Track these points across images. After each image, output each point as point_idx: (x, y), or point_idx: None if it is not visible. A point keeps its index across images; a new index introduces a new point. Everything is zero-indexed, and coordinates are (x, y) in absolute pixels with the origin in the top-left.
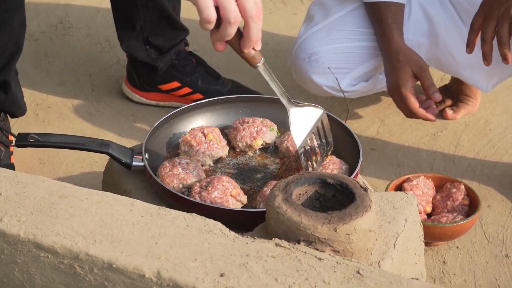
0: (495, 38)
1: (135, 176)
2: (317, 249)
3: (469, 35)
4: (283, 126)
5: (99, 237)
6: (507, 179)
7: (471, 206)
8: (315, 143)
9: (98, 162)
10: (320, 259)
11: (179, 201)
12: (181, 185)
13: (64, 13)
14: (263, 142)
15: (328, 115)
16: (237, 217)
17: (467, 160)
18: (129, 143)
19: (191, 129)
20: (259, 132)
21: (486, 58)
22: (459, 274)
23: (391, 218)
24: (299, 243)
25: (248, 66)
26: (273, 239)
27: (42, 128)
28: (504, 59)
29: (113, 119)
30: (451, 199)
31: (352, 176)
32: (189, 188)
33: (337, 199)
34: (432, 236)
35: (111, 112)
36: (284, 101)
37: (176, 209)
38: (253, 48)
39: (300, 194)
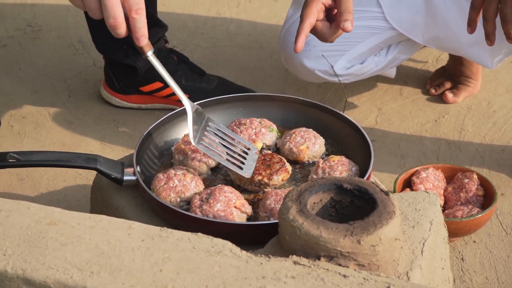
0: (498, 16)
1: (127, 192)
2: (340, 265)
3: (470, 13)
4: (284, 125)
5: (97, 267)
6: None
7: (486, 196)
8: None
9: (81, 174)
10: (345, 276)
11: (178, 217)
12: (179, 199)
13: (31, 15)
14: (263, 145)
15: (327, 108)
16: (245, 231)
17: (473, 146)
18: (112, 151)
19: (184, 136)
20: (258, 134)
21: (489, 38)
22: (480, 271)
23: (414, 222)
24: (319, 259)
25: (232, 60)
26: (290, 256)
27: (18, 141)
28: (509, 37)
29: (94, 126)
30: (464, 190)
31: (366, 177)
32: (188, 202)
33: (355, 205)
34: (448, 232)
35: (91, 118)
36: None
37: (176, 226)
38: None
39: (314, 203)
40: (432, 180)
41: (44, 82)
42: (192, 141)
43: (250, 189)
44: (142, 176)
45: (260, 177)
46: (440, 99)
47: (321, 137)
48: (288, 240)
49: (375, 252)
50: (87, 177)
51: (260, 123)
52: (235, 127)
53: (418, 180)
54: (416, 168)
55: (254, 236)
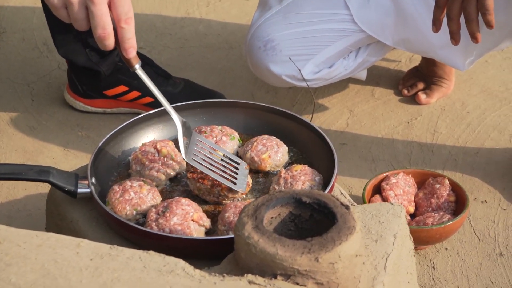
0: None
1: (83, 204)
2: (298, 283)
3: (434, 12)
4: (245, 133)
5: None
6: (492, 167)
7: (458, 202)
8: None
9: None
10: None
11: (133, 232)
12: (135, 212)
13: None
14: (223, 154)
15: (291, 115)
16: (202, 247)
17: (446, 148)
18: (76, 157)
19: (142, 145)
20: (219, 143)
21: (454, 37)
22: (451, 279)
23: (377, 235)
24: (275, 277)
25: (201, 62)
26: (245, 275)
27: None
28: (473, 37)
29: (57, 131)
30: (435, 196)
31: (328, 189)
32: (144, 215)
33: (314, 219)
34: (419, 240)
35: (55, 123)
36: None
37: (131, 240)
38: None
39: (272, 217)
40: (402, 185)
41: (7, 86)
42: (183, 156)
43: (209, 200)
44: (97, 188)
45: (218, 188)
46: (413, 100)
47: (284, 145)
48: (244, 257)
49: (334, 270)
50: (49, 186)
51: (221, 130)
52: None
53: (388, 186)
54: (386, 174)
55: (211, 252)
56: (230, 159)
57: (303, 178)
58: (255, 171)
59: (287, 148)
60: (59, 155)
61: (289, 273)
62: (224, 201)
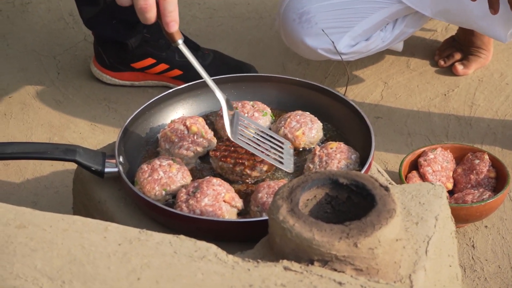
0: None
1: (110, 184)
2: (336, 270)
3: None
4: (278, 108)
5: (68, 276)
6: None
7: (498, 178)
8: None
9: None
10: (340, 283)
11: (162, 214)
12: (164, 192)
13: None
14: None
15: (325, 89)
16: (235, 229)
17: (485, 121)
18: (103, 132)
19: (171, 122)
20: (251, 118)
21: (492, 6)
22: (492, 259)
23: (418, 218)
24: (312, 263)
25: (230, 32)
26: (280, 261)
27: (3, 123)
28: None
29: (84, 106)
30: (474, 172)
31: (365, 169)
32: (174, 195)
33: (352, 201)
34: (458, 218)
35: (81, 97)
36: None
37: (160, 222)
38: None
39: (308, 199)
40: (440, 161)
41: (32, 58)
42: (229, 135)
43: (232, 179)
44: (125, 167)
45: (241, 167)
46: (450, 71)
47: (319, 121)
48: (278, 242)
49: (374, 255)
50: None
51: (252, 106)
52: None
53: (426, 162)
54: (423, 149)
55: (244, 234)
56: (273, 138)
57: (338, 156)
58: None
59: (321, 124)
60: (86, 130)
61: (327, 259)
62: (246, 181)
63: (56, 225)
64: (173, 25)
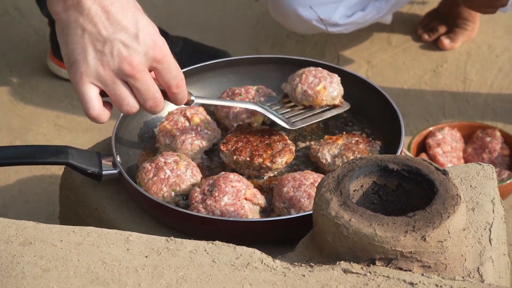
0: None
1: (107, 188)
2: (401, 269)
3: None
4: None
5: None
6: None
7: None
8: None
9: None
10: (412, 284)
11: (178, 217)
12: (173, 193)
13: None
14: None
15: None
16: (264, 230)
17: (481, 96)
18: (70, 132)
19: (169, 113)
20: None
21: None
22: (509, 240)
23: (473, 203)
24: (373, 263)
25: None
26: (338, 263)
27: None
28: None
29: (44, 105)
30: (487, 150)
31: (399, 151)
32: (184, 196)
33: (403, 189)
34: None
35: (40, 96)
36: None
37: (174, 227)
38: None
39: (354, 190)
40: (449, 141)
41: None
42: (289, 127)
43: (247, 174)
44: (123, 167)
45: (260, 160)
46: (435, 46)
47: (336, 75)
48: (331, 241)
49: (443, 248)
50: (43, 166)
51: (257, 91)
52: (228, 98)
53: (434, 143)
54: (430, 129)
55: (274, 234)
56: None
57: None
58: (298, 135)
59: (339, 78)
60: (50, 131)
61: (390, 257)
62: (265, 175)
63: (67, 238)
64: (184, 101)
